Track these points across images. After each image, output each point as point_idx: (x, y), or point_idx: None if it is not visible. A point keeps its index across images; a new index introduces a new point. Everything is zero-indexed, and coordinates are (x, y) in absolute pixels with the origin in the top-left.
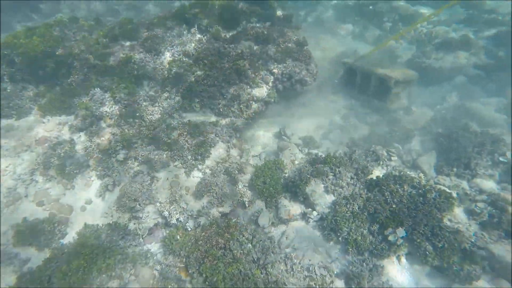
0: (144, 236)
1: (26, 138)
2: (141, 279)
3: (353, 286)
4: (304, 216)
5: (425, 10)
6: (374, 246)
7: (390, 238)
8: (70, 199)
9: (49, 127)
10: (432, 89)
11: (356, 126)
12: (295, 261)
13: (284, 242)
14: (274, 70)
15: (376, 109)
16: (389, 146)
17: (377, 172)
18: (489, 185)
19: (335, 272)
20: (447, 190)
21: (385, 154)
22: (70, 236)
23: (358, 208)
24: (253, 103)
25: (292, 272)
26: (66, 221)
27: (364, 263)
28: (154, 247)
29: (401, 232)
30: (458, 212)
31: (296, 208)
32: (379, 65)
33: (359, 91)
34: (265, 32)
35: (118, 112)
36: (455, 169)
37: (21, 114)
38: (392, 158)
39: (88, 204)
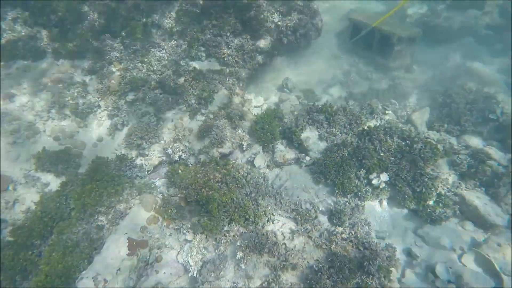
0: (149, 172)
1: (43, 79)
2: (145, 203)
3: (334, 221)
4: (297, 160)
5: None
6: (358, 189)
7: (374, 182)
8: (83, 136)
9: (63, 69)
10: (438, 48)
11: (356, 82)
12: (284, 197)
13: (277, 182)
14: (279, 23)
15: (378, 66)
16: (386, 102)
17: (371, 124)
18: (476, 141)
19: (320, 209)
20: (433, 142)
21: (380, 107)
22: (83, 169)
23: (348, 155)
24: (257, 54)
25: (280, 205)
26: (80, 155)
27: (347, 203)
28: (158, 182)
29: (384, 176)
30: (442, 163)
31: (290, 153)
32: (384, 22)
33: (363, 47)
34: None
35: (127, 57)
36: (445, 125)
37: (36, 56)
38: (387, 112)
39: (99, 141)
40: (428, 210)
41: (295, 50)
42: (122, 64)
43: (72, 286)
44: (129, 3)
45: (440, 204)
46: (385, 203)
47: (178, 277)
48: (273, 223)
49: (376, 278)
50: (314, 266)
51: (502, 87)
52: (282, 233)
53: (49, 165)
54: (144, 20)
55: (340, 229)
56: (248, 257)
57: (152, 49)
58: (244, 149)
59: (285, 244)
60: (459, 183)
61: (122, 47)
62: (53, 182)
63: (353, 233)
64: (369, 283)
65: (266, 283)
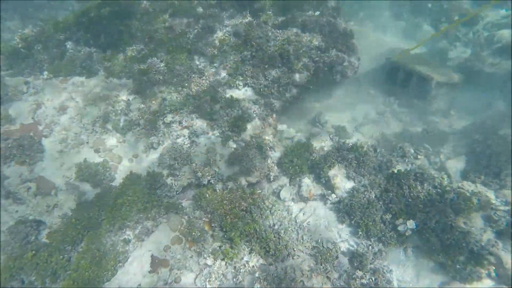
0: (178, 193)
1: (92, 94)
2: (171, 223)
3: (355, 263)
4: (323, 197)
5: (492, 11)
6: (383, 233)
7: (400, 228)
8: (121, 151)
9: (111, 87)
10: (481, 95)
11: (389, 123)
12: (307, 232)
13: (301, 217)
14: (317, 58)
15: (414, 108)
16: (419, 146)
17: (401, 168)
18: None
19: (342, 250)
20: (467, 194)
21: (412, 152)
22: (117, 182)
23: (374, 197)
24: (293, 87)
25: (301, 241)
26: (116, 168)
27: (370, 246)
28: (184, 203)
29: (411, 223)
30: (476, 217)
31: (317, 189)
32: (425, 64)
33: (400, 88)
34: (313, 20)
35: (169, 81)
36: (482, 177)
37: (90, 74)
38: (419, 157)
39: (135, 157)
40: (458, 267)
41: (330, 86)
42: (165, 87)
43: None
44: (176, 30)
45: (472, 262)
46: (410, 251)
47: None
48: (293, 258)
49: None
50: None
51: None
52: (301, 270)
53: (87, 176)
54: (188, 47)
55: (360, 273)
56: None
57: (193, 75)
58: (271, 179)
59: (303, 281)
60: (495, 242)
61: (166, 70)
62: (89, 192)
63: (373, 279)
64: None
65: None
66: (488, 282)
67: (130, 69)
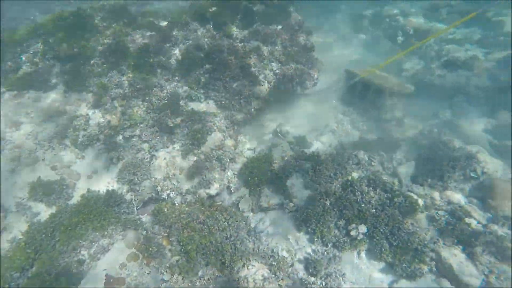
0: (138, 208)
1: (50, 109)
2: (127, 240)
3: (310, 270)
4: (281, 206)
5: (440, 26)
6: (337, 239)
7: (352, 233)
8: (80, 167)
9: (70, 102)
10: (431, 104)
11: (348, 132)
12: (264, 242)
13: (260, 227)
14: (277, 71)
15: (371, 118)
16: (374, 153)
17: (356, 175)
18: (458, 197)
19: (298, 257)
20: (414, 197)
21: (366, 159)
22: (75, 199)
23: (330, 204)
24: (254, 99)
25: (257, 251)
26: (74, 186)
27: (325, 252)
28: (145, 218)
29: (362, 228)
30: (422, 218)
31: (276, 199)
32: (380, 76)
33: (359, 99)
34: (275, 34)
35: (130, 95)
36: (429, 180)
37: (47, 88)
38: (373, 163)
39: (94, 173)
40: (404, 265)
41: (291, 97)
42: (125, 101)
43: None
44: (139, 44)
45: (416, 260)
46: (363, 255)
47: None
48: (248, 268)
49: None
50: None
51: (485, 147)
52: (254, 280)
53: (41, 195)
54: (151, 60)
55: (312, 279)
56: None
57: (155, 88)
58: (232, 191)
59: None
60: (437, 239)
61: (127, 84)
62: (43, 212)
63: (324, 284)
64: None
65: None
66: (430, 277)
67: (90, 83)
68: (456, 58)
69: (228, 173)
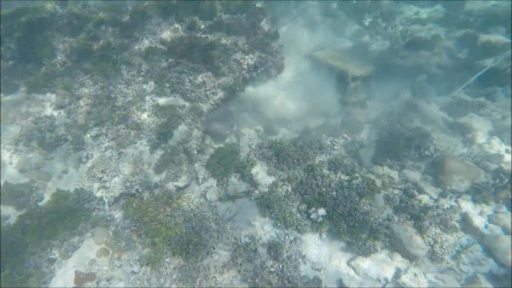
0: (110, 204)
1: (12, 112)
2: (96, 236)
3: (272, 253)
4: (247, 194)
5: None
6: (299, 222)
7: (312, 216)
8: (49, 168)
9: (33, 103)
10: (394, 85)
11: (313, 116)
12: (229, 230)
13: (227, 215)
14: (241, 61)
15: (336, 101)
16: (338, 136)
17: (320, 159)
18: (415, 175)
19: (262, 241)
20: (371, 178)
21: (329, 143)
22: (46, 200)
23: (291, 189)
24: (219, 90)
25: (221, 238)
26: (44, 187)
27: (286, 236)
28: (117, 214)
29: (321, 211)
30: (380, 197)
31: (242, 187)
32: (343, 59)
33: (324, 83)
34: (238, 24)
35: (95, 93)
36: (388, 160)
37: (9, 90)
38: (335, 147)
39: (64, 173)
40: (360, 243)
41: (256, 85)
42: (90, 100)
43: None
44: (101, 41)
45: (371, 238)
46: (324, 236)
47: None
48: (211, 256)
49: None
50: None
51: (440, 125)
52: (215, 266)
53: (9, 199)
54: (114, 57)
55: (270, 263)
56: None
57: (120, 85)
58: (200, 182)
59: (215, 277)
60: (392, 217)
61: (91, 83)
62: (14, 215)
63: (280, 267)
64: None
65: None
66: (384, 252)
67: (53, 83)
68: (418, 38)
69: (196, 165)
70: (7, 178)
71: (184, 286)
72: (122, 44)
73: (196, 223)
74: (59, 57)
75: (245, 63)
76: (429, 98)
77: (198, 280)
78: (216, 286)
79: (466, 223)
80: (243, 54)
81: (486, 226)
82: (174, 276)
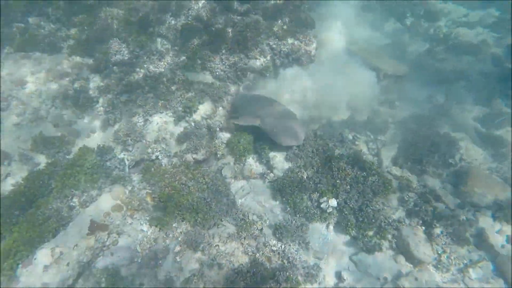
0: (131, 167)
1: (54, 71)
2: (113, 192)
3: (277, 235)
4: (262, 176)
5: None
6: (308, 210)
7: (322, 205)
8: (80, 126)
9: (72, 65)
10: (428, 88)
11: (338, 110)
12: (238, 206)
13: (240, 193)
14: (274, 46)
15: (365, 98)
16: (361, 133)
17: (339, 152)
18: (434, 182)
19: (269, 223)
20: (388, 177)
21: (351, 138)
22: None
23: (306, 177)
24: (249, 73)
25: (230, 213)
26: (73, 143)
27: (294, 221)
28: (136, 177)
29: (333, 202)
30: (394, 198)
31: (258, 168)
32: (377, 55)
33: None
34: (274, 9)
35: (129, 61)
36: (409, 163)
37: (53, 51)
38: (356, 142)
39: (92, 132)
40: (366, 239)
41: (286, 72)
42: (124, 67)
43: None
44: (141, 13)
45: (378, 236)
46: (331, 227)
47: (130, 262)
48: (218, 227)
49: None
50: (236, 269)
51: (470, 135)
52: (220, 236)
53: (42, 148)
54: (151, 29)
55: (274, 242)
56: (184, 251)
57: (153, 56)
58: (218, 157)
59: (218, 245)
60: (403, 219)
61: (127, 51)
62: (43, 163)
63: (282, 247)
64: None
65: (192, 276)
66: (389, 252)
67: (93, 48)
68: (462, 42)
69: (216, 141)
70: (42, 129)
71: (188, 248)
72: (160, 18)
73: (208, 194)
74: (100, 25)
75: (278, 49)
76: (463, 105)
77: (201, 245)
78: (219, 253)
79: (481, 239)
80: (276, 40)
81: (502, 246)
82: (179, 239)
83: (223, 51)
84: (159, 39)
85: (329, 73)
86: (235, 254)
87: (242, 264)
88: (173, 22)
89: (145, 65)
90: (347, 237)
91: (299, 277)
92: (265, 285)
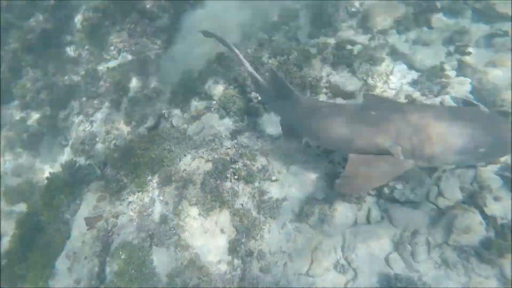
0: (102, 169)
1: None
2: (92, 189)
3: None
4: (208, 108)
5: None
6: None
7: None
8: (39, 164)
9: None
10: None
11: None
12: (196, 139)
13: (196, 131)
14: None
15: None
16: (278, 31)
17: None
18: (348, 33)
19: (224, 135)
20: (305, 48)
21: (266, 37)
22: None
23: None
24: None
25: (190, 146)
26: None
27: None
28: (108, 171)
29: None
30: (317, 62)
31: (202, 104)
32: None
33: None
34: None
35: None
36: (322, 30)
37: None
38: (273, 37)
39: (54, 162)
40: None
41: None
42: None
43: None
44: None
45: (313, 94)
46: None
47: (138, 232)
48: (181, 160)
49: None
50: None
51: None
52: (184, 164)
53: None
54: None
55: (228, 143)
56: (162, 190)
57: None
58: (166, 116)
59: (186, 169)
60: (331, 72)
61: None
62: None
63: (235, 142)
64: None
65: (175, 202)
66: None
67: None
68: None
69: (159, 104)
70: (4, 184)
71: (166, 184)
72: None
73: (167, 144)
74: None
75: None
76: None
77: (173, 177)
78: (186, 169)
79: (394, 53)
80: None
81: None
82: (157, 184)
83: None
84: None
85: None
86: (200, 167)
87: (208, 171)
88: None
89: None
90: None
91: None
92: (227, 169)
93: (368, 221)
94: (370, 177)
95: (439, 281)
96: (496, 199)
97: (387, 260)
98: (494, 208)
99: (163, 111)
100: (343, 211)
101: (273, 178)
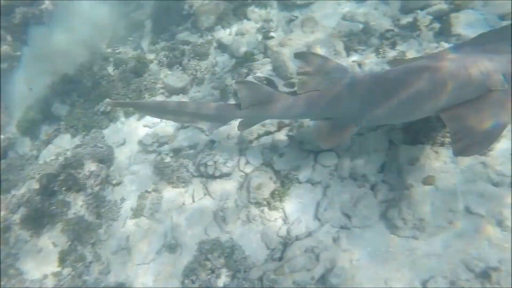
0: None
1: None
2: None
3: None
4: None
5: None
6: None
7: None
8: None
9: None
10: None
11: None
12: None
13: None
14: None
15: None
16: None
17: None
18: (183, 36)
19: None
20: (141, 56)
21: (110, 51)
22: None
23: None
24: None
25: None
26: None
27: None
28: None
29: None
30: (154, 67)
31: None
32: None
33: None
34: None
35: None
36: (162, 36)
37: None
38: (117, 50)
39: None
40: None
41: None
42: None
43: None
44: None
45: (150, 96)
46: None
47: None
48: None
49: None
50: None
51: None
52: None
53: None
54: None
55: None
56: None
57: None
58: None
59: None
60: (168, 73)
61: None
62: None
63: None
64: None
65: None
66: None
67: None
68: None
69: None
70: None
71: None
72: None
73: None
74: None
75: None
76: None
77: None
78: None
79: (221, 46)
80: None
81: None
82: None
83: None
84: None
85: None
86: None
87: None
88: None
89: None
90: None
91: None
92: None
93: (193, 200)
94: (481, 121)
95: (244, 235)
96: (281, 155)
97: (205, 229)
98: (280, 163)
99: None
100: (170, 197)
101: (114, 181)
